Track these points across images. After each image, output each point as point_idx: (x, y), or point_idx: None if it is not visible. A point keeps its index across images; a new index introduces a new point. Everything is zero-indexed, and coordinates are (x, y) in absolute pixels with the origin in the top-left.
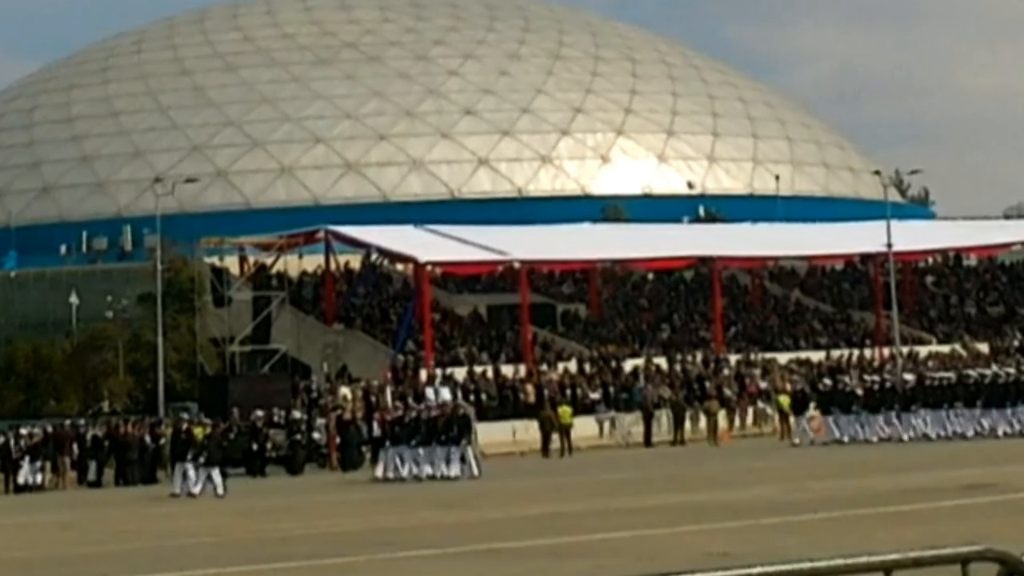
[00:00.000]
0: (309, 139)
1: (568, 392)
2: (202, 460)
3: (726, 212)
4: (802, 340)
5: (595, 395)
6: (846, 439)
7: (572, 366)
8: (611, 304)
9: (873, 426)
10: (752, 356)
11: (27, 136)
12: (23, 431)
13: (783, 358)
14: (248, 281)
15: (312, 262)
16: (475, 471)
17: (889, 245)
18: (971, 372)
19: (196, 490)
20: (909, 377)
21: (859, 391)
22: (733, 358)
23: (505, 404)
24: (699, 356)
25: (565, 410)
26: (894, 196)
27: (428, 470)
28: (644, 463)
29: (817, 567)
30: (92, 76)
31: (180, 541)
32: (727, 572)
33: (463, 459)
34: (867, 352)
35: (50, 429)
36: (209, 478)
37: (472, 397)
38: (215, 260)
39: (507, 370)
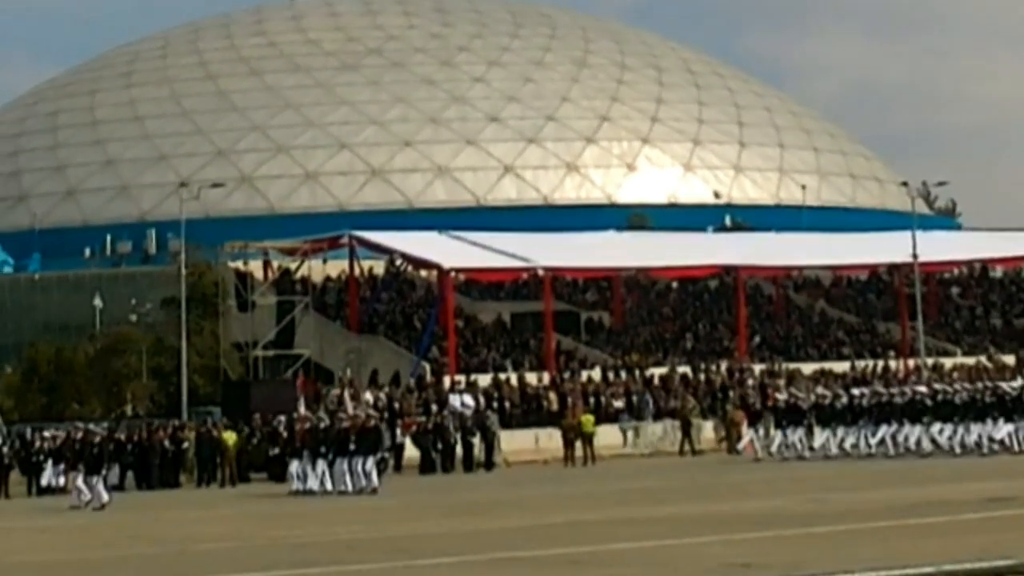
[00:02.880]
0: (334, 145)
1: (591, 400)
2: (103, 469)
3: (752, 222)
4: (826, 350)
5: (618, 403)
6: (806, 454)
7: (596, 374)
8: (635, 312)
9: (827, 440)
10: (776, 366)
11: (51, 139)
12: (46, 434)
13: (807, 368)
14: (272, 286)
15: (336, 267)
16: (373, 483)
17: (915, 256)
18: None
19: (102, 500)
20: (857, 392)
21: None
22: (757, 368)
23: (528, 412)
24: (723, 366)
25: (588, 418)
26: (921, 207)
27: (339, 484)
28: (666, 472)
29: None
30: (116, 80)
31: (200, 546)
32: None
33: (366, 472)
34: (892, 363)
35: (75, 433)
36: (91, 488)
37: (496, 404)
38: (239, 264)
39: (530, 378)
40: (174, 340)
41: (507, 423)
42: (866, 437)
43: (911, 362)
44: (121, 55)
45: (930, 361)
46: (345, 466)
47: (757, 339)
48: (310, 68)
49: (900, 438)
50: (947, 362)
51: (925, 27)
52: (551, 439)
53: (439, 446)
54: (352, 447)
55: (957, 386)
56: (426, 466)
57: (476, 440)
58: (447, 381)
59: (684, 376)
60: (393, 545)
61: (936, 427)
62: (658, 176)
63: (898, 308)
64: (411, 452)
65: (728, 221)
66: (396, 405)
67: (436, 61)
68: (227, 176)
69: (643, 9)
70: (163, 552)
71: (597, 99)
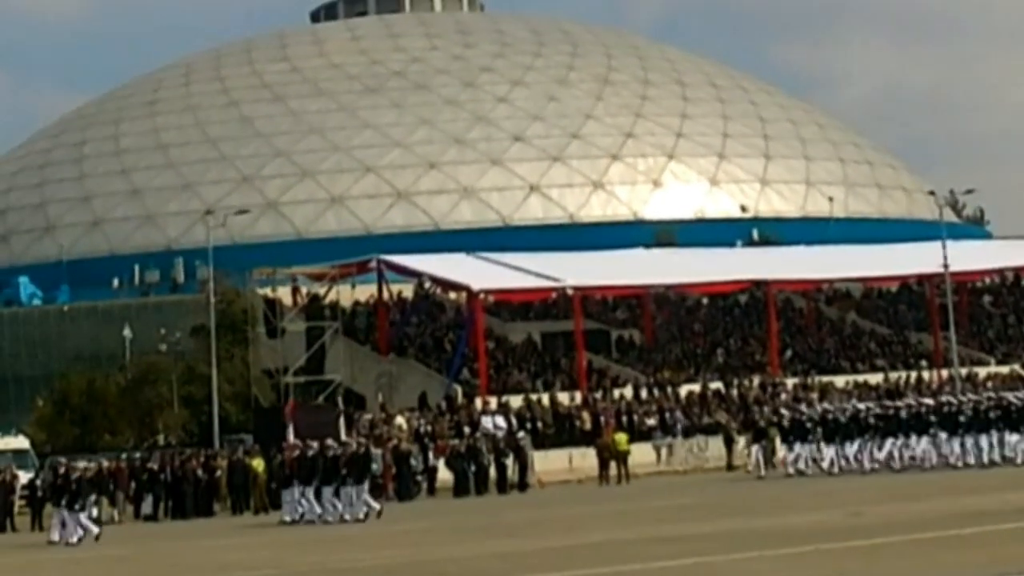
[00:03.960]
0: (359, 168)
1: (624, 419)
2: (77, 506)
3: (780, 235)
4: (859, 363)
5: (651, 421)
6: (808, 471)
7: (628, 392)
8: (665, 329)
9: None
10: (809, 380)
11: (77, 170)
12: (80, 464)
13: (840, 381)
14: (301, 312)
15: (365, 292)
16: (360, 515)
17: (945, 266)
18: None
19: (74, 539)
20: (862, 406)
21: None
22: (790, 382)
23: (561, 432)
24: (756, 381)
25: (621, 437)
26: (949, 216)
27: (330, 512)
28: (702, 489)
29: None
30: (140, 108)
31: (237, 574)
32: None
33: (363, 500)
34: (925, 374)
35: (105, 463)
36: (79, 524)
37: (528, 425)
38: (267, 291)
39: (562, 397)
40: (204, 368)
41: (540, 443)
42: (872, 451)
43: (944, 372)
44: (144, 83)
45: (964, 371)
46: (334, 494)
47: (789, 353)
48: (333, 92)
49: (907, 451)
50: (981, 371)
51: (950, 35)
52: (585, 459)
53: (473, 468)
54: (344, 474)
55: (963, 398)
56: (460, 488)
57: (509, 461)
58: (479, 403)
59: (717, 392)
60: (431, 569)
61: (942, 439)
62: (684, 191)
63: (930, 318)
64: (444, 475)
65: (756, 235)
66: (428, 428)
67: (459, 82)
68: (253, 202)
69: (665, 25)
70: None
71: (621, 116)
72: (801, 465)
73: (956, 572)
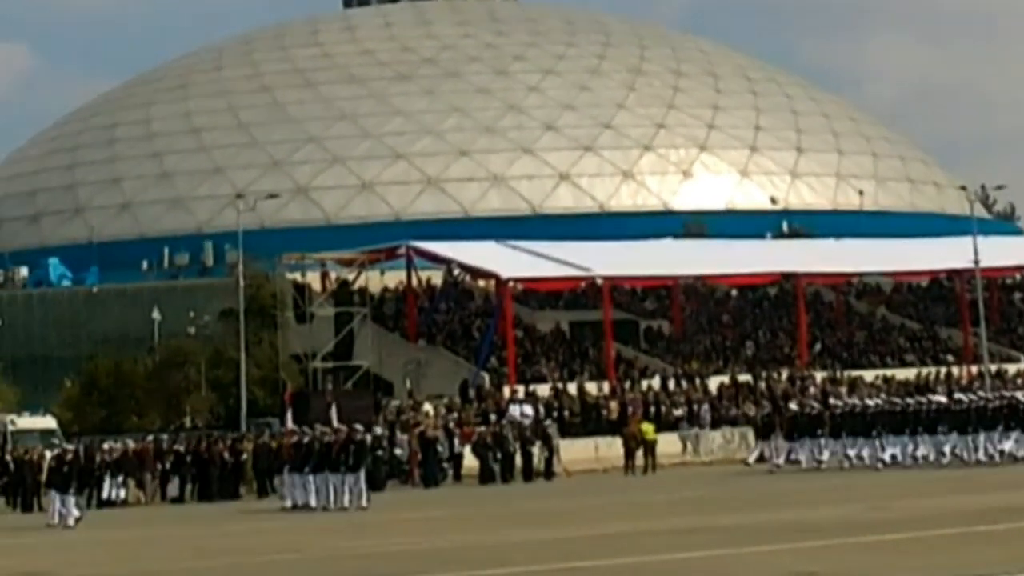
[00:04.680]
0: (389, 155)
1: (651, 409)
2: (71, 488)
3: (810, 228)
4: (888, 357)
5: (678, 412)
6: (813, 465)
7: (655, 383)
8: (694, 320)
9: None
10: (838, 374)
11: (108, 152)
12: (105, 446)
13: (869, 375)
14: (330, 297)
15: (394, 278)
16: (363, 502)
17: (976, 261)
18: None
19: (70, 521)
20: (871, 402)
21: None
22: (819, 375)
23: (588, 421)
24: (784, 373)
25: (648, 427)
26: (980, 211)
27: (324, 499)
28: (728, 481)
29: None
30: (172, 92)
31: (261, 558)
32: None
33: (355, 488)
34: (954, 370)
35: (132, 445)
36: (63, 505)
37: (555, 414)
38: (297, 276)
39: (590, 387)
40: (232, 352)
41: (567, 432)
42: (879, 448)
43: (974, 368)
44: (176, 68)
45: (993, 368)
46: (331, 481)
47: (818, 346)
48: (365, 78)
49: (918, 449)
50: (1011, 368)
51: (981, 30)
52: (611, 448)
53: (499, 456)
54: (338, 461)
55: (973, 396)
56: (486, 476)
57: (536, 450)
58: (506, 391)
59: (745, 384)
60: (454, 556)
61: (952, 437)
62: (715, 183)
63: (960, 314)
64: (471, 462)
65: (786, 227)
66: (455, 415)
67: (491, 70)
68: (283, 187)
69: (698, 16)
70: (224, 564)
71: (653, 106)
72: (806, 461)
73: (982, 569)
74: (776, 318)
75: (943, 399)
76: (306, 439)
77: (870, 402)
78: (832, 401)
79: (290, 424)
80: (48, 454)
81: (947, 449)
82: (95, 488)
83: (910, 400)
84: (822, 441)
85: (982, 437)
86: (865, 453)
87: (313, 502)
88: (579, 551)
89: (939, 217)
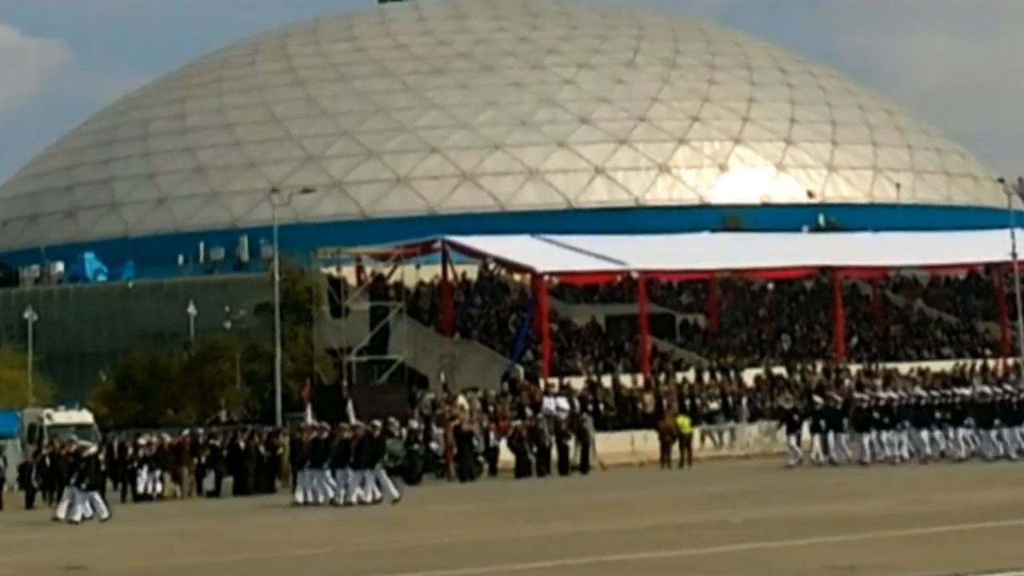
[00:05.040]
0: (424, 149)
1: (687, 403)
2: (84, 485)
3: (846, 221)
4: (925, 351)
5: (714, 405)
6: (836, 459)
7: (691, 376)
8: (730, 314)
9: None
10: (874, 367)
11: (143, 147)
12: (140, 440)
13: (905, 368)
14: (365, 291)
15: (429, 272)
16: (393, 493)
17: (1013, 254)
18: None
19: (76, 517)
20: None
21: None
22: (854, 368)
23: (623, 414)
24: (819, 366)
25: (684, 420)
26: (1018, 204)
27: (343, 495)
28: (764, 474)
29: None
30: (206, 87)
31: (295, 551)
32: None
33: (378, 482)
34: (991, 363)
35: (168, 439)
36: (91, 503)
37: (591, 407)
38: (332, 271)
39: (625, 380)
40: (268, 346)
41: (602, 426)
42: (901, 441)
43: (1011, 361)
44: (210, 62)
45: None
46: (350, 478)
47: (855, 340)
48: (399, 73)
49: (942, 442)
50: None
51: (1019, 22)
52: (647, 441)
53: (534, 449)
54: (352, 458)
55: (998, 389)
56: (521, 469)
57: (571, 443)
58: (542, 384)
59: (780, 377)
60: (490, 549)
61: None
62: (750, 176)
63: (997, 307)
64: (506, 456)
65: (822, 220)
66: (490, 409)
67: (525, 64)
68: (317, 182)
69: (733, 9)
70: (259, 558)
71: (688, 100)
72: (833, 455)
73: (1019, 562)
74: (812, 312)
75: (967, 392)
76: (324, 435)
77: (895, 395)
78: (856, 395)
79: (309, 420)
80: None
81: (965, 443)
82: (128, 482)
83: (935, 393)
84: (845, 435)
85: (1005, 432)
86: (888, 446)
87: (324, 499)
88: (616, 544)
89: (976, 210)
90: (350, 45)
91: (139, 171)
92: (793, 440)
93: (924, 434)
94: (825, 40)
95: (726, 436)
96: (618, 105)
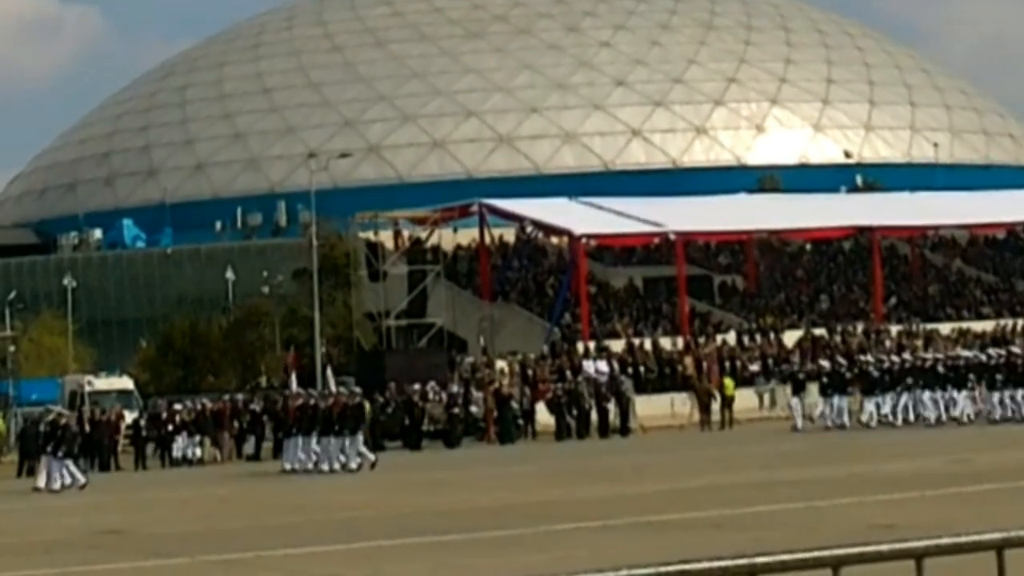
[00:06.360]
0: (461, 113)
1: (727, 364)
2: (60, 453)
3: (884, 181)
4: (964, 310)
5: (754, 367)
6: (847, 422)
7: (730, 338)
8: (768, 275)
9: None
10: (914, 327)
11: (180, 114)
12: (177, 406)
13: (945, 328)
14: (403, 255)
15: (466, 236)
16: (371, 458)
17: None
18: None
19: (56, 486)
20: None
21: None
22: (894, 329)
23: (663, 377)
24: (859, 327)
25: (728, 382)
26: None
27: (326, 463)
28: (804, 435)
29: None
30: (243, 53)
31: (339, 514)
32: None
33: (354, 451)
34: None
35: (209, 405)
36: (68, 470)
37: (630, 370)
38: (370, 235)
39: (664, 342)
40: (306, 311)
41: (642, 388)
42: (907, 405)
43: None
44: (248, 28)
45: None
46: (331, 444)
47: (893, 300)
48: (436, 37)
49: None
50: None
51: None
52: (687, 404)
53: (574, 412)
54: (336, 426)
55: (1002, 351)
56: (561, 433)
57: (611, 406)
58: (581, 347)
59: (819, 338)
60: (533, 511)
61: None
62: (788, 137)
63: None
64: (546, 419)
65: (860, 181)
66: (529, 372)
67: (562, 26)
68: (355, 146)
69: None
70: (299, 522)
71: (725, 61)
72: (841, 418)
73: None
74: (851, 272)
75: (972, 354)
76: (311, 402)
77: (897, 359)
78: (864, 358)
79: (294, 387)
80: (127, 415)
81: (970, 404)
82: (165, 449)
83: (939, 355)
84: (849, 398)
85: (1008, 393)
86: (892, 408)
87: (309, 465)
88: (657, 506)
89: (1015, 169)
90: (387, 9)
91: (177, 138)
92: (796, 401)
93: (931, 396)
94: (865, 1)
95: (766, 398)
96: (654, 67)
